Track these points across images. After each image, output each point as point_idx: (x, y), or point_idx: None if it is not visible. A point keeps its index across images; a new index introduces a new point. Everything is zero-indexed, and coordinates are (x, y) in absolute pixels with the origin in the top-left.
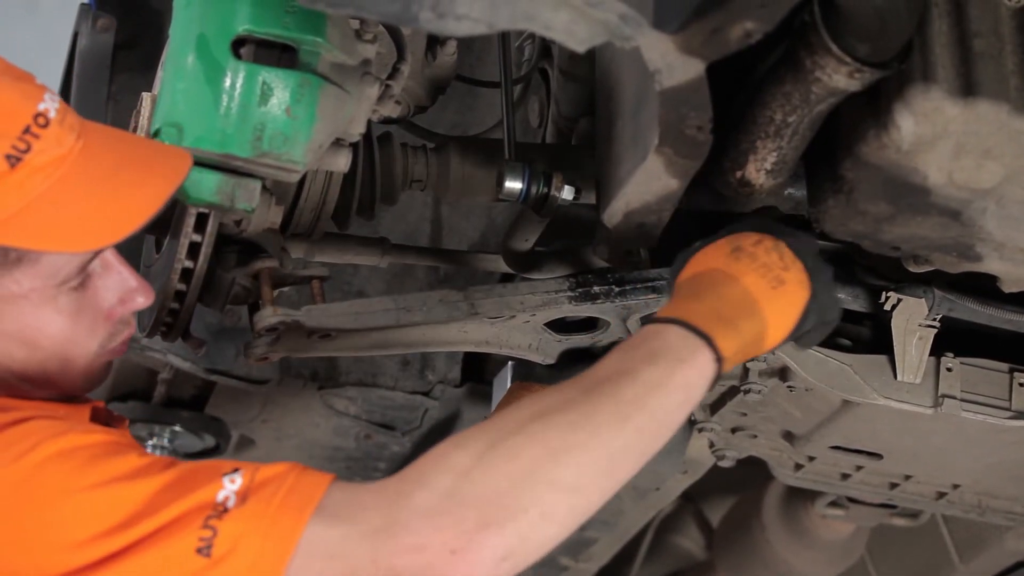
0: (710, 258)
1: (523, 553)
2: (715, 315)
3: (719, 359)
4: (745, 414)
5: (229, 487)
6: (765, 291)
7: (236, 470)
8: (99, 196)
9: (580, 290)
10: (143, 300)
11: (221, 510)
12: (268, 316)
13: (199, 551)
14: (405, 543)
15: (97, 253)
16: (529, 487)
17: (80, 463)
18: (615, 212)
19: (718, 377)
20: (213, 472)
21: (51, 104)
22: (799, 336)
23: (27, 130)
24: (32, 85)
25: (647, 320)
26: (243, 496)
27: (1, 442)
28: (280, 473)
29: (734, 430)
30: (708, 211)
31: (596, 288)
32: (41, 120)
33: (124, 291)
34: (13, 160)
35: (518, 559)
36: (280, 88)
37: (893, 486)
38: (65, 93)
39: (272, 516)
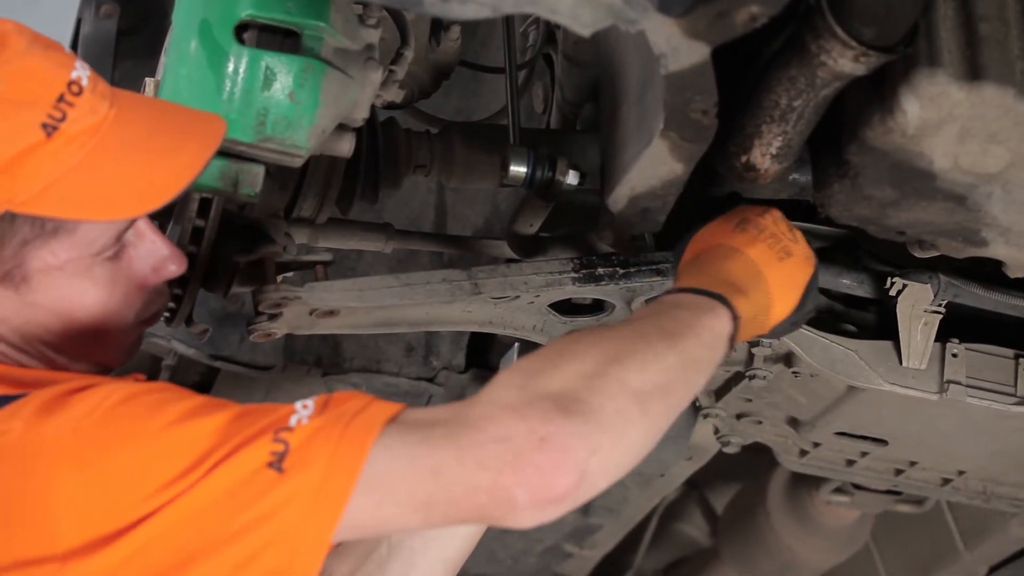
0: (715, 234)
1: (610, 449)
2: (722, 285)
3: (735, 318)
4: (750, 400)
5: (302, 411)
6: (771, 262)
7: (309, 398)
8: (135, 163)
9: (584, 272)
10: (175, 268)
11: (293, 426)
12: (271, 292)
13: (270, 465)
14: (489, 434)
15: (132, 222)
16: (600, 382)
17: (146, 408)
18: (620, 197)
19: (734, 340)
20: (287, 404)
21: (83, 72)
22: (798, 319)
23: (61, 98)
24: (63, 53)
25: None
26: (315, 416)
27: (73, 404)
28: (355, 396)
29: (739, 416)
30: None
31: (600, 270)
32: (75, 88)
33: (157, 259)
34: (49, 129)
35: (606, 456)
36: (283, 73)
37: (898, 472)
38: None
39: (343, 428)
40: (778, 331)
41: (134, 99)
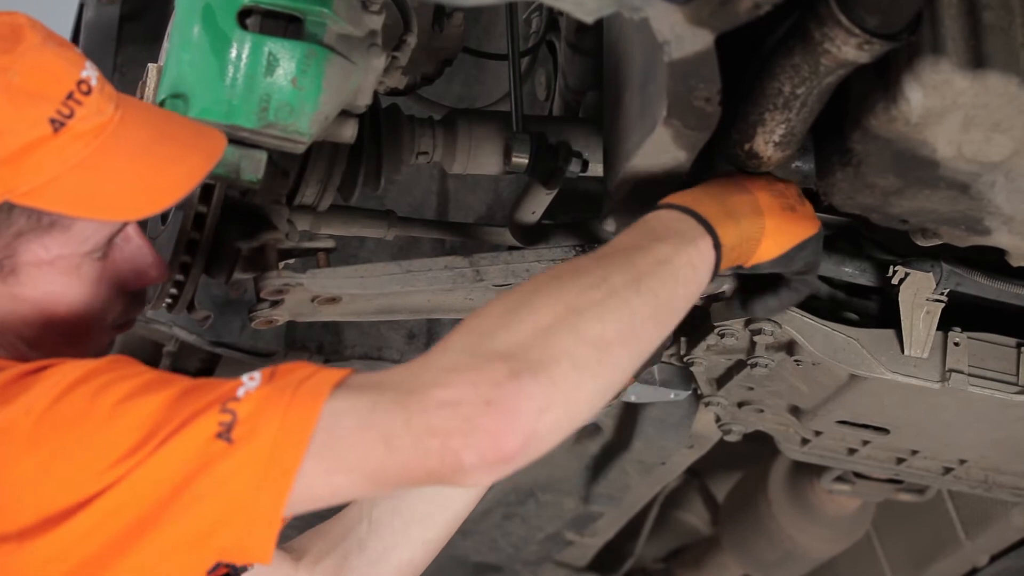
0: (727, 174)
1: (562, 406)
2: (720, 207)
3: (718, 247)
4: (752, 388)
5: (248, 383)
6: (773, 207)
7: (255, 370)
8: (136, 168)
9: None
10: (156, 275)
11: (241, 397)
12: (273, 279)
13: (219, 435)
14: (436, 399)
15: (124, 224)
16: (555, 337)
17: (96, 388)
18: (622, 185)
19: (718, 266)
20: (233, 378)
21: (92, 72)
22: (787, 269)
23: (71, 96)
24: (74, 52)
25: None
26: (262, 386)
27: (27, 386)
28: (301, 365)
29: (740, 404)
30: None
31: None
32: (84, 87)
33: (141, 264)
34: (57, 125)
35: (559, 413)
36: (286, 59)
37: (899, 461)
38: None
39: (291, 395)
40: (759, 268)
41: (139, 105)
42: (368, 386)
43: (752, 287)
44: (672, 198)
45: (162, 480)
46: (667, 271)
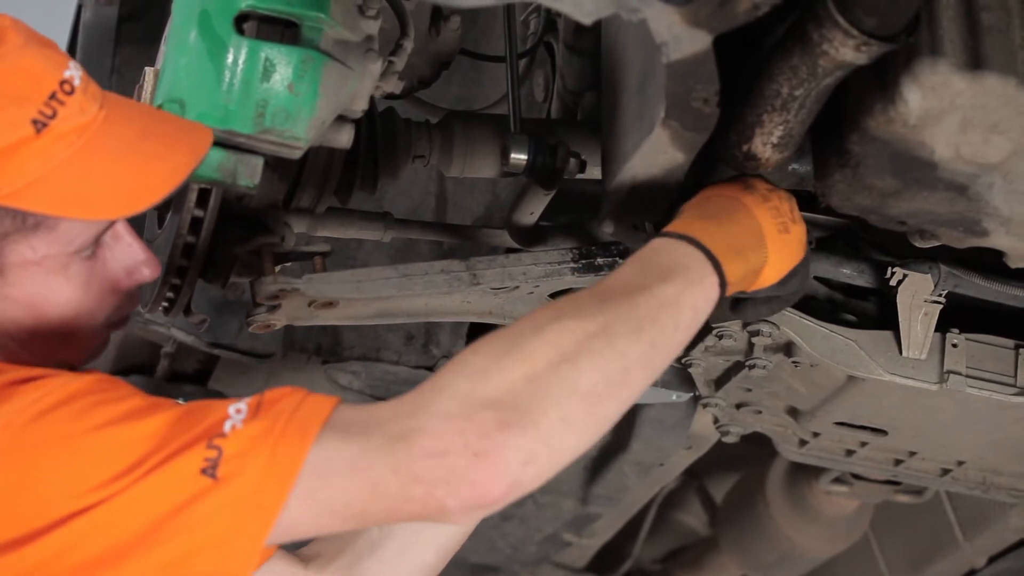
0: (723, 188)
1: (546, 458)
2: (729, 241)
3: (723, 284)
4: (750, 389)
5: (235, 416)
6: (773, 231)
7: (241, 400)
8: (121, 166)
9: (584, 261)
10: (149, 273)
11: (227, 432)
12: (269, 284)
13: (203, 471)
14: (425, 448)
15: (112, 223)
16: (547, 388)
17: (82, 408)
18: (620, 186)
19: (720, 302)
20: (219, 405)
21: (75, 72)
22: (780, 295)
23: (53, 96)
24: (57, 52)
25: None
26: (248, 420)
27: (10, 398)
28: (286, 394)
29: (739, 406)
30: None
31: (600, 260)
32: (67, 87)
33: (132, 263)
34: (39, 125)
35: (541, 464)
36: (282, 64)
37: (897, 462)
38: None
39: (278, 434)
40: (757, 294)
41: (125, 104)
42: (357, 427)
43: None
44: (682, 225)
45: (144, 510)
46: (669, 316)
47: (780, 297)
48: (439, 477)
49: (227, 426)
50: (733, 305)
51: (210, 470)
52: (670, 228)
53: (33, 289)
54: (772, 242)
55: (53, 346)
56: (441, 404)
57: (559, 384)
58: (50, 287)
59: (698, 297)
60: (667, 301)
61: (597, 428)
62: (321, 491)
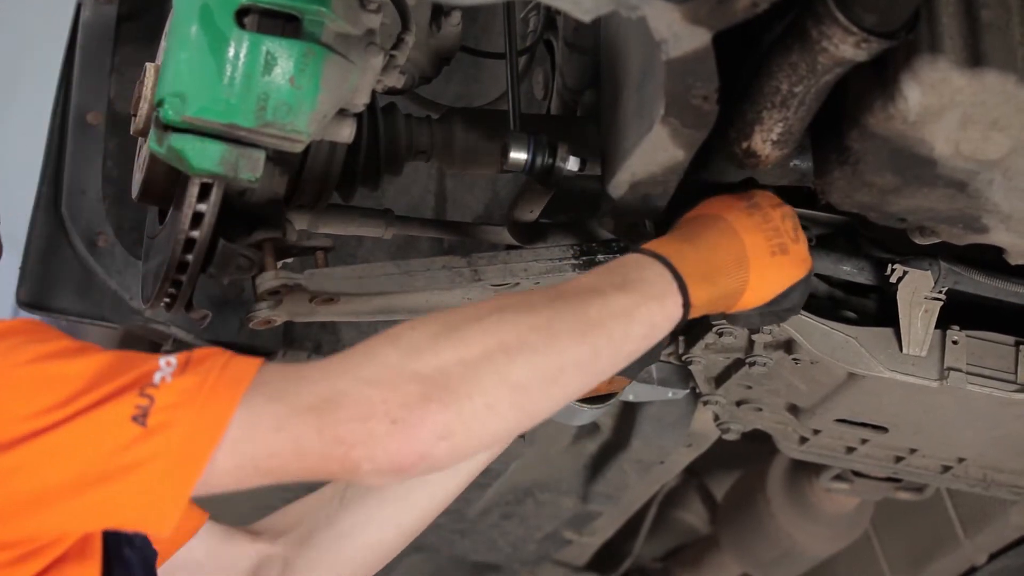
0: (724, 205)
1: (463, 438)
2: (698, 263)
3: (687, 305)
4: (750, 387)
5: (165, 369)
6: (762, 255)
7: (171, 355)
8: None
9: (584, 258)
10: None
11: (158, 383)
12: (270, 279)
13: (134, 419)
14: (350, 412)
15: None
16: (477, 374)
17: (12, 345)
18: (620, 183)
19: (683, 322)
20: (150, 357)
21: None
22: (770, 311)
23: None
24: None
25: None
26: (177, 375)
27: None
28: (213, 353)
29: (739, 403)
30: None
31: (600, 256)
32: None
33: None
34: None
35: (457, 443)
36: (284, 58)
37: (898, 459)
38: (68, 65)
39: (209, 389)
40: (739, 317)
41: None
42: (285, 385)
43: None
44: (658, 243)
45: (72, 452)
46: (619, 325)
47: (772, 312)
48: (359, 440)
49: (157, 377)
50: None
51: (141, 418)
52: (647, 245)
53: None
54: (758, 266)
55: None
56: (370, 371)
57: (490, 372)
58: None
59: (655, 312)
60: (620, 311)
61: (523, 420)
62: (246, 446)
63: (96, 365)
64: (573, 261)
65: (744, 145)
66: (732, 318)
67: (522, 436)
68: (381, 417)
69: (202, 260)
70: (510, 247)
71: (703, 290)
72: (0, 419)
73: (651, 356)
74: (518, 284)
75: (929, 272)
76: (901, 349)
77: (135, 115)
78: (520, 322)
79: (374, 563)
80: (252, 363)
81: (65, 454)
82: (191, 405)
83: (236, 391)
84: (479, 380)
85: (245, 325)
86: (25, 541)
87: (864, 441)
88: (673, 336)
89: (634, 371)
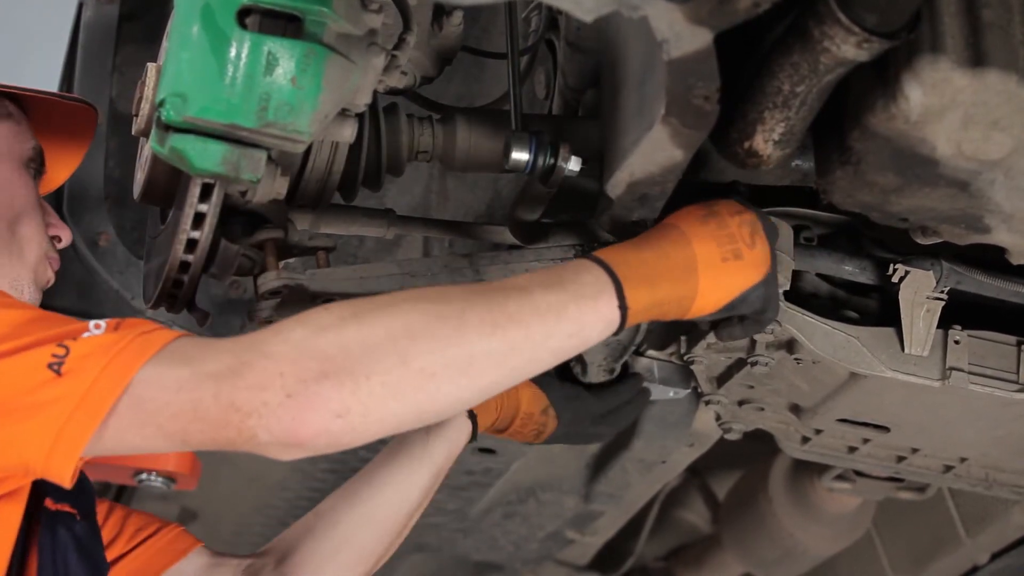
0: (681, 215)
1: (360, 417)
2: (640, 267)
3: (623, 307)
4: (752, 387)
5: (93, 329)
6: (712, 260)
7: (104, 320)
8: None
9: None
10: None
11: (79, 340)
12: (271, 279)
13: (49, 366)
14: (247, 380)
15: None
16: (377, 355)
17: None
18: (619, 182)
19: (622, 326)
20: (83, 321)
21: None
22: (731, 316)
23: None
24: None
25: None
26: (104, 334)
27: None
28: (143, 321)
29: (741, 403)
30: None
31: None
32: None
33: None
34: None
35: (355, 422)
36: (285, 58)
37: (900, 459)
38: (70, 65)
39: (122, 346)
40: (702, 319)
41: None
42: (195, 355)
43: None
44: (604, 250)
45: None
46: (540, 321)
47: (752, 319)
48: (253, 409)
49: (84, 335)
50: (711, 325)
51: (55, 366)
52: (596, 252)
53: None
54: (708, 273)
55: None
56: (273, 345)
57: (391, 354)
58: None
59: (585, 311)
60: (543, 307)
61: (428, 405)
62: (148, 403)
63: (29, 316)
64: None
65: (746, 145)
66: (717, 331)
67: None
68: (277, 389)
69: (204, 260)
70: (512, 246)
71: (642, 293)
72: None
73: (634, 409)
74: (469, 284)
75: (931, 272)
76: (903, 349)
77: (136, 115)
78: (430, 310)
79: (357, 560)
80: (172, 332)
81: None
82: (102, 357)
83: (147, 351)
84: (378, 361)
85: (247, 325)
86: None
87: (866, 441)
88: (675, 335)
89: (618, 423)
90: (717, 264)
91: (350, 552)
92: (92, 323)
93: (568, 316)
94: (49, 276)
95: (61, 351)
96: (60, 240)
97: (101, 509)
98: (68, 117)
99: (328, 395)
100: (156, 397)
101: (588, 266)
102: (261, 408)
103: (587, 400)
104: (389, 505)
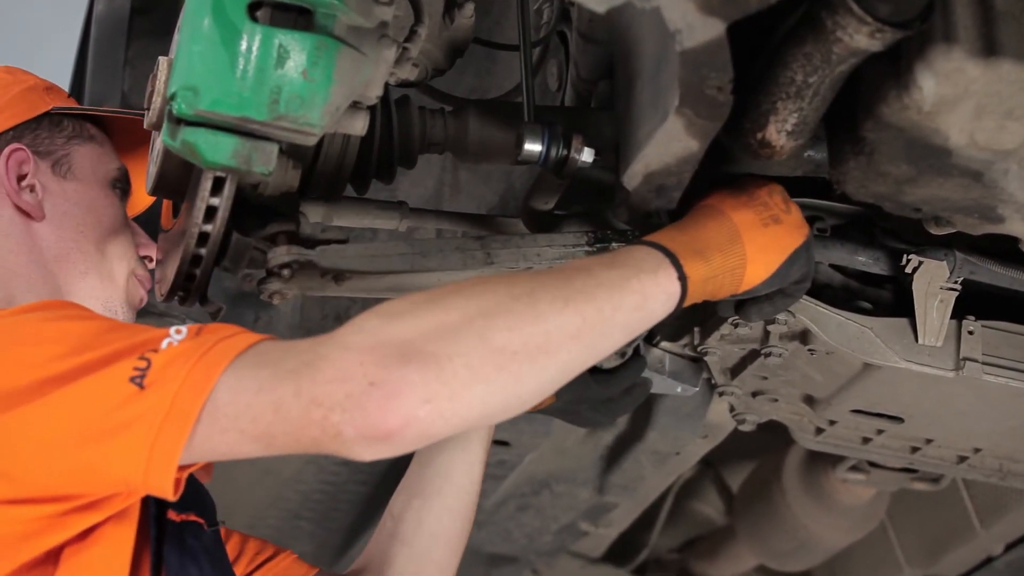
0: (711, 196)
1: (447, 400)
2: (687, 240)
3: (683, 278)
4: (766, 378)
5: (174, 336)
6: (754, 227)
7: (185, 325)
8: None
9: (598, 245)
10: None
11: (161, 349)
12: (282, 254)
13: (132, 380)
14: (327, 374)
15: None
16: (455, 336)
17: (50, 314)
18: (634, 174)
19: (683, 299)
20: (163, 329)
21: None
22: (779, 284)
23: None
24: None
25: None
26: (183, 341)
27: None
28: (226, 326)
29: (755, 394)
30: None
31: (615, 244)
32: None
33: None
34: None
35: (443, 408)
36: (296, 51)
37: (914, 450)
38: (82, 59)
39: (202, 353)
40: (755, 291)
41: None
42: (274, 355)
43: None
44: (647, 236)
45: (74, 409)
46: (607, 295)
47: (784, 293)
48: (336, 402)
49: (164, 343)
50: (737, 307)
51: (138, 379)
52: (640, 238)
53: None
54: (752, 239)
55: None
56: (350, 337)
57: (469, 335)
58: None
59: (647, 283)
60: (607, 282)
61: (516, 388)
62: (231, 408)
63: (106, 326)
64: (587, 248)
65: (759, 136)
66: (745, 312)
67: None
68: (359, 379)
69: (216, 253)
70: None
71: (697, 263)
72: (18, 366)
73: (632, 401)
74: (531, 269)
75: (944, 262)
76: (917, 339)
77: (148, 109)
78: (500, 291)
79: (450, 554)
80: (254, 336)
81: (68, 411)
82: (183, 367)
83: (228, 356)
84: (460, 342)
85: (261, 318)
86: (64, 498)
87: (880, 432)
88: (689, 327)
89: (616, 412)
90: (759, 230)
91: (442, 547)
92: (173, 329)
93: (632, 289)
94: (141, 295)
95: (143, 363)
96: (151, 260)
97: (220, 530)
98: (149, 135)
99: (413, 379)
100: (237, 401)
101: (641, 247)
102: (344, 401)
103: (588, 384)
104: (460, 489)
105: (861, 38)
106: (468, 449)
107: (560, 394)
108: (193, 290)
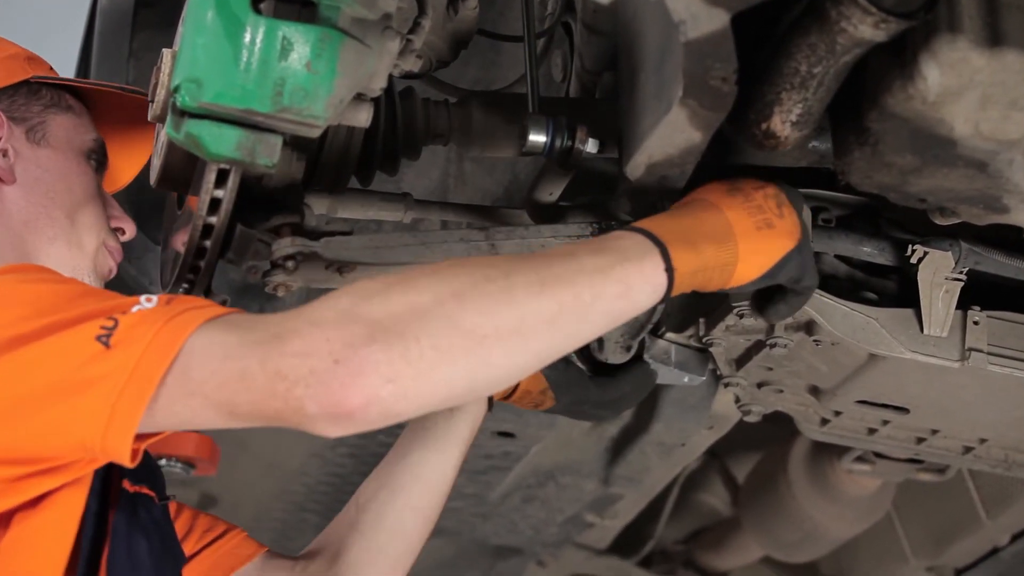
0: (706, 190)
1: (411, 381)
2: (680, 231)
3: (670, 270)
4: (771, 369)
5: (144, 303)
6: (747, 228)
7: (156, 294)
8: None
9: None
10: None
11: (129, 313)
12: (286, 245)
13: (98, 338)
14: (293, 347)
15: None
16: (425, 318)
17: (22, 276)
18: (637, 165)
19: (668, 291)
20: (133, 297)
21: None
22: (773, 295)
23: None
24: None
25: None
26: (155, 307)
27: None
28: (196, 297)
29: (760, 385)
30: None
31: None
32: None
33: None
34: None
35: (406, 388)
36: (300, 43)
37: (920, 441)
38: (86, 51)
39: (170, 317)
40: (745, 288)
41: None
42: (243, 324)
43: (764, 294)
44: (639, 222)
45: (41, 366)
46: (587, 282)
47: (794, 293)
48: (300, 376)
49: (134, 308)
50: (758, 308)
51: (104, 338)
52: (631, 224)
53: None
54: (745, 238)
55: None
56: (321, 313)
57: (439, 316)
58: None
59: (631, 272)
60: (589, 268)
61: (485, 371)
62: (195, 371)
63: (78, 290)
64: (591, 238)
65: (763, 126)
66: (767, 310)
67: (489, 405)
68: (324, 355)
69: (220, 246)
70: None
71: (686, 255)
72: None
73: (635, 397)
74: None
75: (949, 253)
76: (922, 330)
77: (152, 101)
78: (476, 273)
79: (406, 551)
80: (223, 308)
81: (33, 368)
82: (150, 328)
83: (195, 321)
84: (428, 323)
85: (265, 310)
86: (23, 461)
87: (885, 422)
88: (694, 318)
89: (619, 408)
90: (752, 232)
91: (399, 543)
92: (144, 297)
93: (615, 277)
94: (110, 266)
95: (110, 323)
96: (124, 232)
97: (171, 506)
98: (132, 113)
99: (377, 358)
100: (203, 365)
101: (630, 233)
102: (308, 376)
103: (588, 388)
104: (428, 489)
105: (866, 28)
106: (444, 451)
107: (560, 397)
108: (198, 282)
